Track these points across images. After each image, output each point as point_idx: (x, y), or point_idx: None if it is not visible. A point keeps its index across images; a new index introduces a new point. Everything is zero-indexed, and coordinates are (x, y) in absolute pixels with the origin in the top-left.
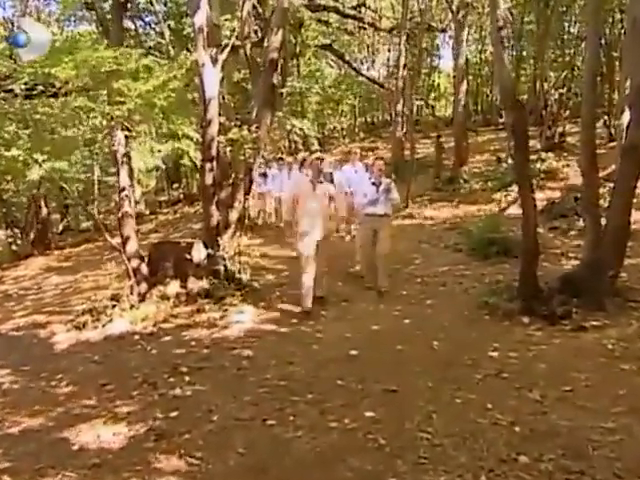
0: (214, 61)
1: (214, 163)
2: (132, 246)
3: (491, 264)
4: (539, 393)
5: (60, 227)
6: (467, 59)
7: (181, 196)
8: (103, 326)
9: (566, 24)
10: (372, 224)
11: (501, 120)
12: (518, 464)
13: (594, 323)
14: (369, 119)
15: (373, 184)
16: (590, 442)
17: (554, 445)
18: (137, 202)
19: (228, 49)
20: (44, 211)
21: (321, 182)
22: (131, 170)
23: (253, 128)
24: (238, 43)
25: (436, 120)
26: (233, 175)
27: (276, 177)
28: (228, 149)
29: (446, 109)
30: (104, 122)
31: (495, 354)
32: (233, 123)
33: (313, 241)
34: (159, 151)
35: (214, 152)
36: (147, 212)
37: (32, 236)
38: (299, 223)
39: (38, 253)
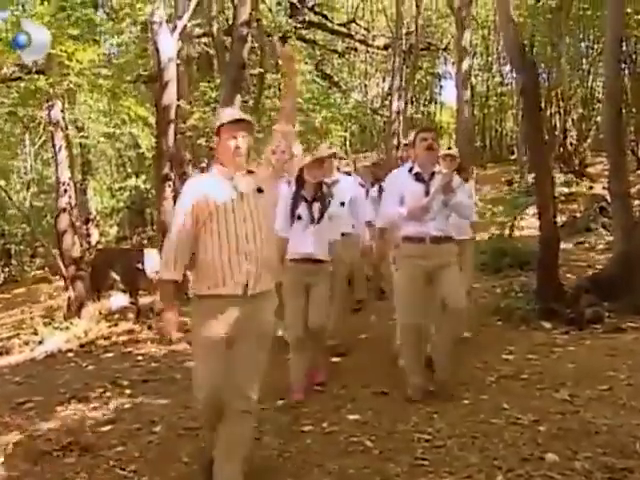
0: (172, 28)
1: (171, 140)
2: (68, 242)
3: (503, 277)
4: (568, 393)
5: (1, 278)
6: (472, 87)
7: (145, 242)
8: (31, 350)
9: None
10: (419, 262)
11: (512, 157)
12: (545, 463)
13: (631, 325)
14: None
15: (417, 178)
16: (638, 440)
17: (590, 443)
18: (93, 246)
19: (189, 13)
20: None
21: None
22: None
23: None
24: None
25: None
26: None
27: None
28: (188, 134)
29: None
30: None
31: (511, 357)
32: (195, 108)
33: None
34: (119, 188)
35: (172, 117)
36: None
37: None
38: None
39: None
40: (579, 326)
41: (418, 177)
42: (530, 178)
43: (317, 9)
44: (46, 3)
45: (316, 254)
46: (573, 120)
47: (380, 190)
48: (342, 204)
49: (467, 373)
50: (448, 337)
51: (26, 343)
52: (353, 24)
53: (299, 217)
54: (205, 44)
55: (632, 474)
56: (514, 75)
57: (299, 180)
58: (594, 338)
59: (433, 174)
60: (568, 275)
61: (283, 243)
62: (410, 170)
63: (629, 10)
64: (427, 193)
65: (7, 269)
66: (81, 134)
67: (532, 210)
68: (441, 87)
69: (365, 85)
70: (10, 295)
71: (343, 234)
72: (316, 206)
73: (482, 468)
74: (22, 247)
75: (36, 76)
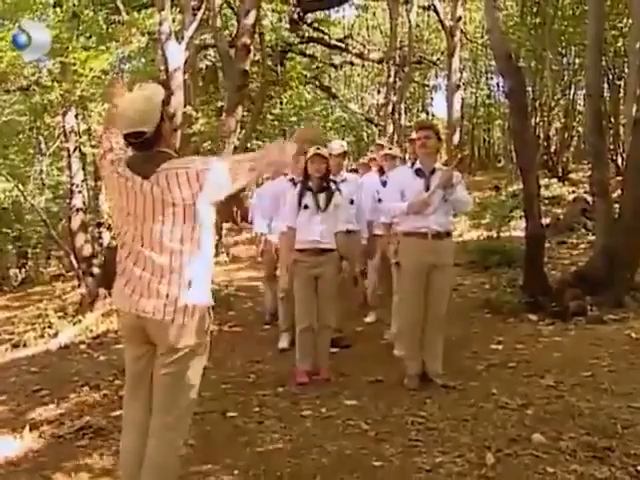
0: (179, 38)
1: (177, 144)
2: (81, 240)
3: (492, 274)
4: (553, 379)
5: (18, 278)
6: (462, 99)
7: None
8: (45, 343)
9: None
10: (420, 253)
11: (499, 165)
12: (532, 443)
13: (613, 317)
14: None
15: (418, 174)
16: (619, 421)
17: (574, 425)
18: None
19: (195, 24)
20: None
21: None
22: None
23: (224, 117)
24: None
25: None
26: None
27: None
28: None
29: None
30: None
31: (499, 347)
32: (200, 114)
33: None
34: None
35: (178, 122)
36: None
37: None
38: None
39: None
40: (563, 318)
41: (419, 173)
42: (516, 183)
43: (316, 25)
44: (58, 9)
45: (323, 242)
46: (556, 129)
47: None
48: (351, 202)
49: (458, 362)
50: (431, 324)
51: (41, 336)
52: (350, 39)
53: (305, 206)
54: (211, 57)
55: (613, 453)
56: (501, 87)
57: (305, 172)
58: (578, 329)
59: (434, 170)
60: (553, 272)
61: (291, 234)
62: (412, 166)
63: (606, 26)
64: (428, 188)
65: (23, 270)
66: (94, 143)
67: (518, 213)
68: (432, 99)
69: (361, 98)
70: (26, 293)
71: (348, 231)
72: (322, 196)
73: (472, 448)
74: (38, 250)
75: (50, 83)
